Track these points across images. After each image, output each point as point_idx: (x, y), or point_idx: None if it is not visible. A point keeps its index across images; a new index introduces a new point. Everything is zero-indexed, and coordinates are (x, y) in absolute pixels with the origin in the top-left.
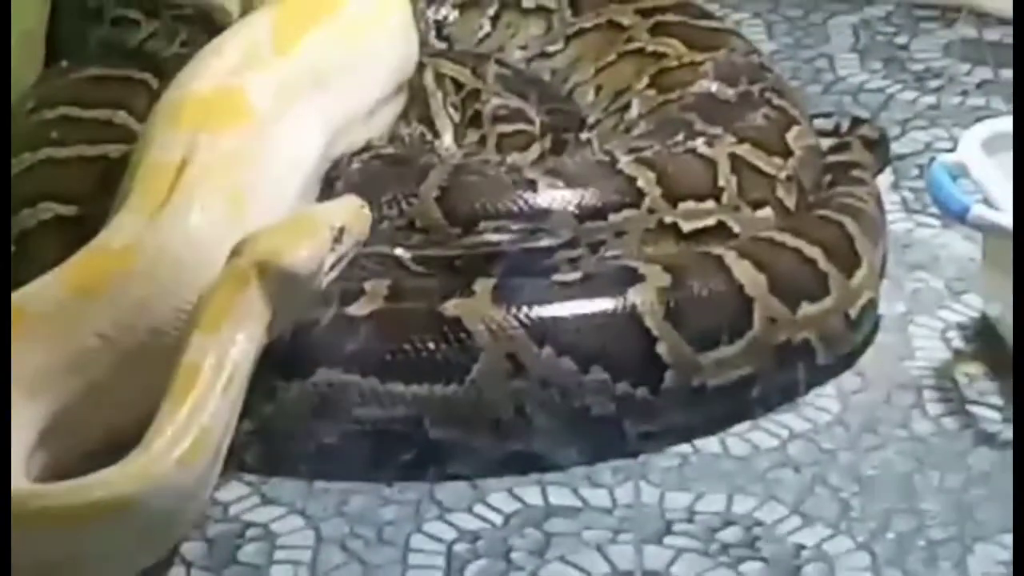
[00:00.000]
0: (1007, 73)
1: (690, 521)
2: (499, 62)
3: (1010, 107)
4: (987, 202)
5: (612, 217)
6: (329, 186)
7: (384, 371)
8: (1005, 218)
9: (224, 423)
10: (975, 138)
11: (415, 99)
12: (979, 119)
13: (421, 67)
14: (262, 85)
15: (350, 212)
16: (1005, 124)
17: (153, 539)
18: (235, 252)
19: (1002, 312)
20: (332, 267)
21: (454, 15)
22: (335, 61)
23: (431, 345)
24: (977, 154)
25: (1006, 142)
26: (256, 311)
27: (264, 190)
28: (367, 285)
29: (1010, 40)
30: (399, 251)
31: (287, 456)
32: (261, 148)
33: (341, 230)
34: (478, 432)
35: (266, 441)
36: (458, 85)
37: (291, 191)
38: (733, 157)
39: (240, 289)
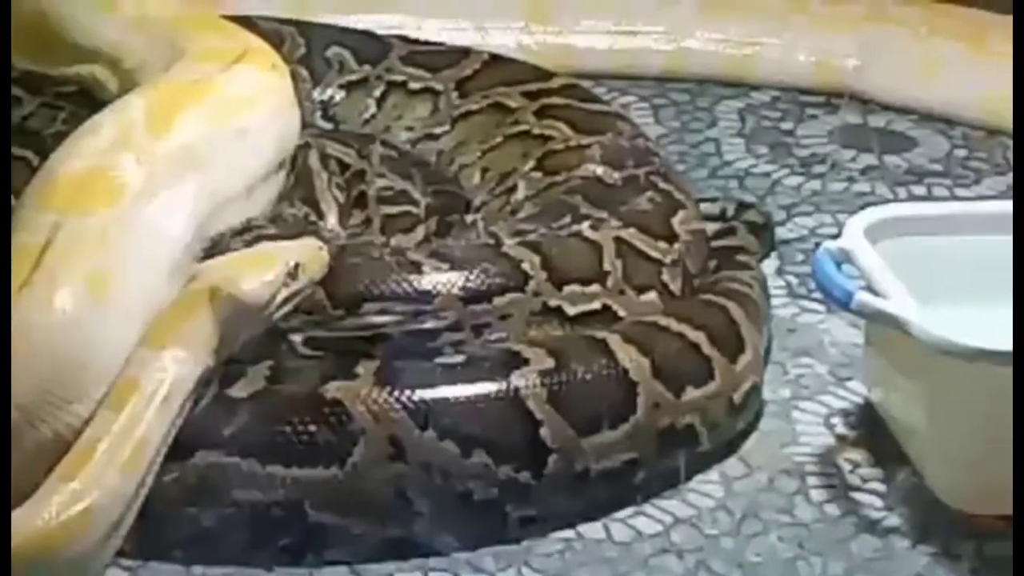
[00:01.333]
0: (891, 159)
1: None
2: (385, 143)
3: (894, 194)
4: (870, 289)
5: (497, 300)
6: None
7: (264, 453)
8: (888, 305)
9: (160, 436)
10: (859, 225)
11: (300, 180)
12: (864, 205)
13: (306, 148)
14: (134, 165)
15: (308, 251)
16: (889, 211)
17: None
18: (192, 277)
19: (885, 398)
20: (285, 301)
21: (340, 95)
22: (210, 140)
23: (312, 427)
24: (861, 241)
25: (890, 229)
26: (204, 334)
27: (131, 271)
28: (249, 367)
29: (893, 127)
30: (285, 332)
31: (165, 541)
32: (130, 229)
33: (297, 267)
34: (359, 516)
35: (143, 525)
36: (343, 166)
37: (161, 272)
38: (618, 241)
39: (191, 312)
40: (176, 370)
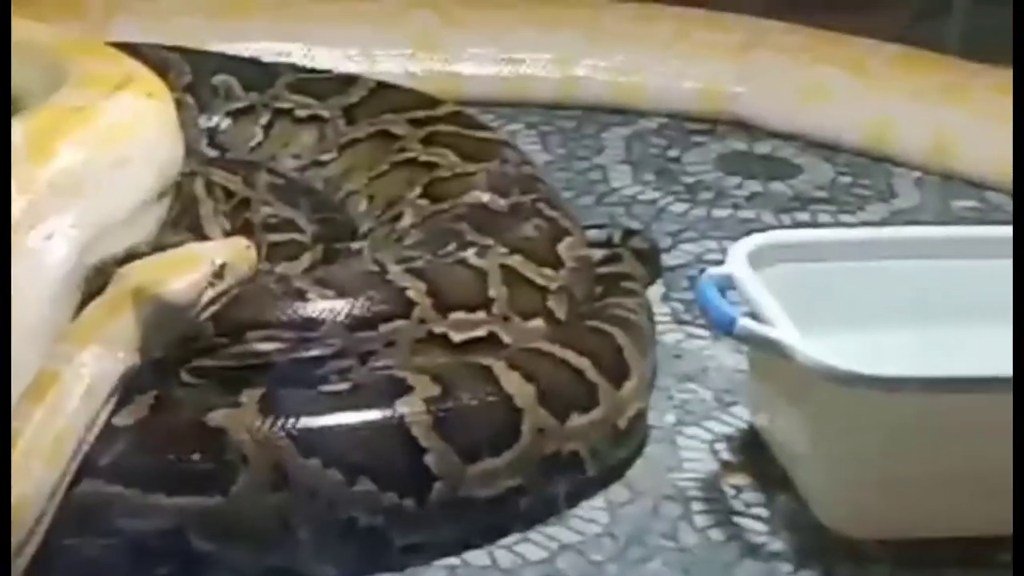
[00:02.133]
0: (777, 186)
1: None
2: (271, 171)
3: (779, 220)
4: (753, 315)
5: (382, 327)
6: (94, 297)
7: (147, 482)
8: (770, 331)
9: (82, 429)
10: (742, 251)
11: (185, 208)
12: (749, 231)
13: (192, 175)
14: (15, 193)
15: (235, 251)
16: (772, 238)
17: None
18: (117, 278)
19: (768, 423)
20: (212, 301)
21: (227, 123)
22: (90, 168)
23: (195, 456)
24: (744, 267)
25: (773, 255)
26: (127, 332)
27: (12, 300)
28: (134, 395)
29: (778, 154)
30: (170, 362)
31: (48, 570)
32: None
33: (223, 266)
34: (242, 545)
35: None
36: (229, 194)
37: (40, 300)
38: (504, 268)
39: (116, 310)
40: (98, 365)
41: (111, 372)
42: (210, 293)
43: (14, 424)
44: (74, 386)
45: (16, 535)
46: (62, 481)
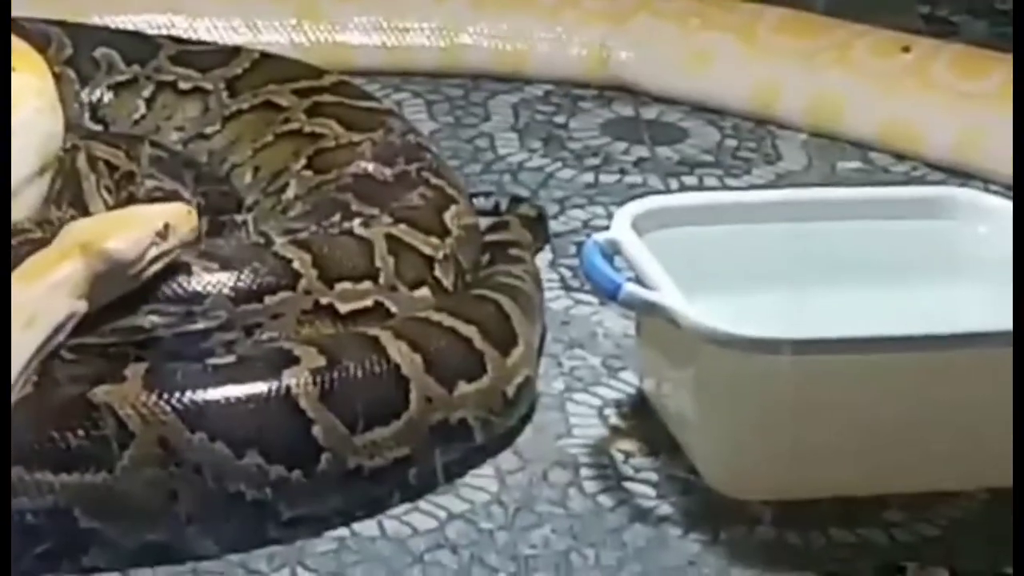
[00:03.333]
0: (663, 151)
1: None
2: (154, 144)
3: (666, 185)
4: (639, 280)
5: (268, 299)
6: None
7: (31, 460)
8: (655, 296)
9: (23, 360)
10: (627, 216)
11: (67, 182)
12: (636, 196)
13: (74, 150)
14: None
15: (178, 213)
16: (656, 202)
17: None
18: (63, 233)
19: (656, 388)
20: (155, 260)
21: (109, 96)
22: None
23: (80, 432)
24: (628, 232)
25: (658, 220)
26: (72, 281)
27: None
28: None
29: (665, 119)
30: None
31: None
32: None
33: (166, 227)
34: (130, 521)
35: None
36: (112, 167)
37: None
38: (390, 238)
39: (62, 260)
40: (44, 302)
41: (55, 311)
42: (153, 252)
43: None
44: (16, 319)
45: None
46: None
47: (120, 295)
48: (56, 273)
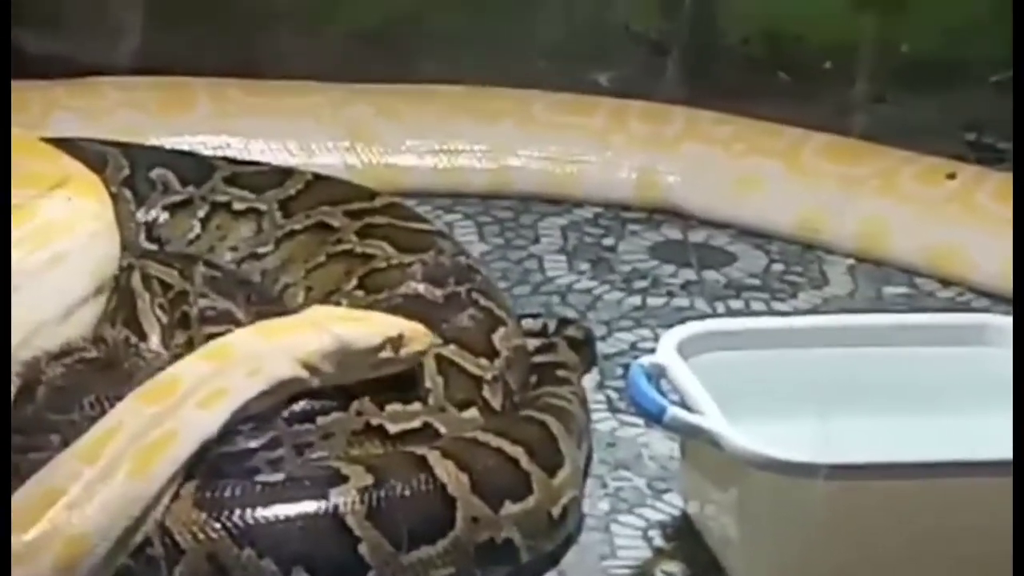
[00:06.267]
0: (711, 275)
1: None
2: (207, 263)
3: (713, 308)
4: (684, 404)
5: (320, 420)
6: (30, 390)
7: None
8: (699, 420)
9: (237, 404)
10: (673, 340)
11: (122, 301)
12: (683, 319)
13: (129, 269)
14: None
15: (415, 330)
16: (702, 326)
17: None
18: (311, 311)
19: (700, 511)
20: (384, 363)
21: (164, 216)
22: (24, 266)
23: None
24: (674, 356)
25: (704, 344)
26: (303, 350)
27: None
28: None
29: (712, 242)
30: None
31: None
32: None
33: (401, 337)
34: None
35: None
36: (166, 287)
37: None
38: (439, 358)
39: (299, 330)
40: (272, 359)
41: (282, 369)
42: (384, 354)
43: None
44: (246, 365)
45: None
46: (220, 426)
47: (338, 384)
48: (290, 337)
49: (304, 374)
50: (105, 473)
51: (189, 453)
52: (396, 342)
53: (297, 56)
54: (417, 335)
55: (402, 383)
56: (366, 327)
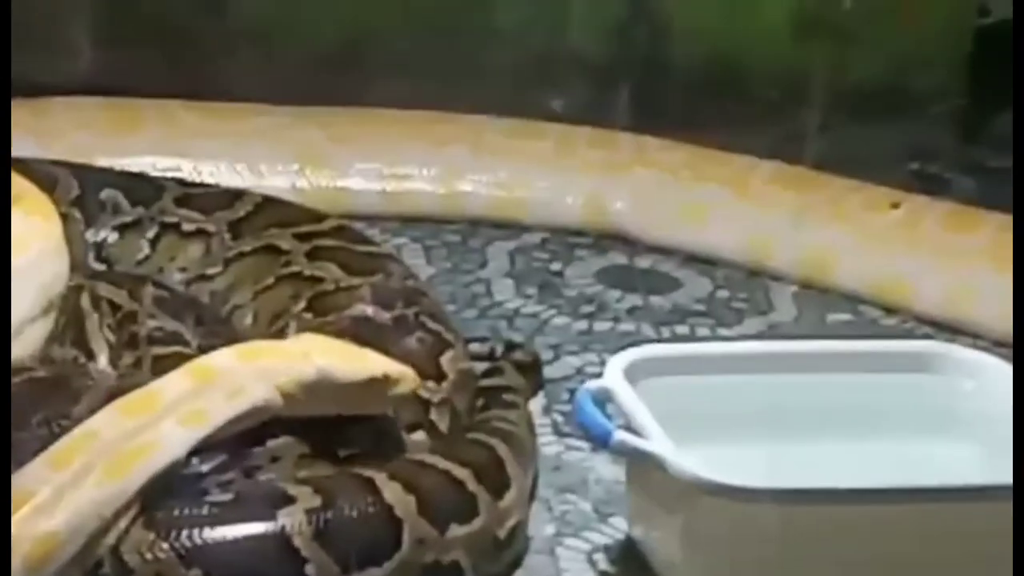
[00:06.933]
0: (657, 300)
1: None
2: (156, 284)
3: (659, 333)
4: (630, 428)
5: (270, 443)
6: None
7: None
8: (645, 444)
9: (214, 425)
10: (619, 365)
11: (70, 321)
12: (629, 344)
13: (78, 289)
14: None
15: (404, 374)
16: (648, 351)
17: None
18: (299, 337)
19: (645, 534)
20: (371, 399)
21: (114, 237)
22: None
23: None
24: (620, 380)
25: (650, 368)
26: (283, 376)
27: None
28: None
29: (658, 268)
30: None
31: None
32: None
33: (386, 378)
34: None
35: None
36: (115, 307)
37: None
38: None
39: (283, 356)
40: (252, 381)
41: (259, 393)
42: (368, 393)
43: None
44: (227, 385)
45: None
46: (194, 441)
47: (311, 415)
48: (273, 361)
49: (280, 402)
50: (77, 477)
51: (162, 467)
52: (381, 383)
53: (252, 78)
54: (405, 378)
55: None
56: (353, 363)
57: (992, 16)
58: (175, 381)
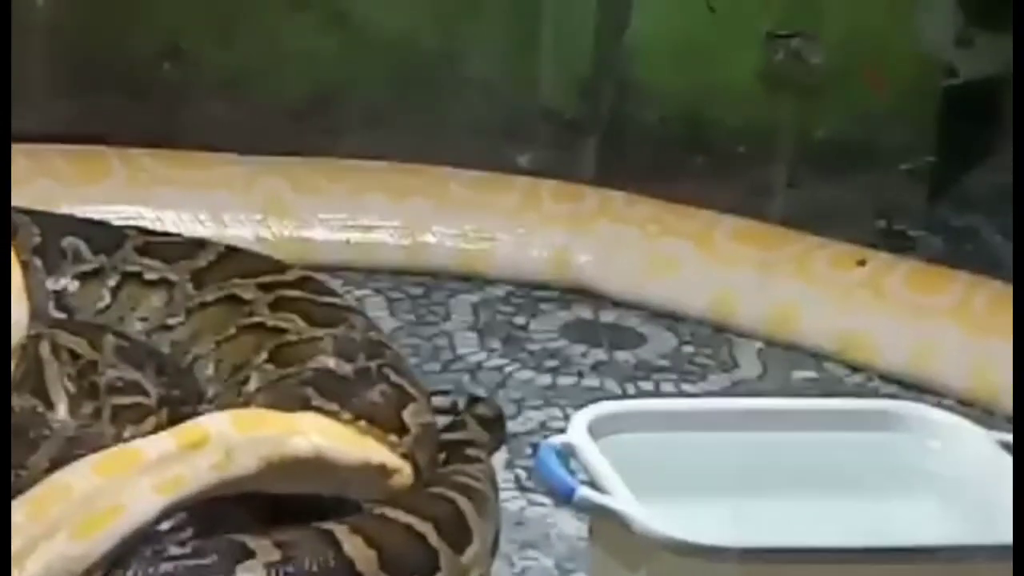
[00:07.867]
0: (621, 355)
1: None
2: (117, 333)
3: (623, 389)
4: (593, 484)
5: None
6: None
7: None
8: (608, 500)
9: (196, 489)
10: (583, 420)
11: (30, 370)
12: (593, 399)
13: (37, 338)
14: None
15: (401, 469)
16: (612, 407)
17: None
18: (302, 415)
19: None
20: (356, 484)
21: (75, 285)
22: None
23: None
24: (584, 436)
25: (613, 424)
26: (272, 448)
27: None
28: None
29: (623, 323)
30: None
31: None
32: None
33: (382, 468)
34: None
35: None
36: (75, 356)
37: None
38: None
39: (276, 428)
40: (241, 449)
41: (247, 462)
42: (360, 480)
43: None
44: (218, 449)
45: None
46: (166, 507)
47: (294, 492)
48: (265, 432)
49: (267, 475)
50: (49, 530)
51: (130, 531)
52: (376, 471)
53: (219, 128)
54: (401, 476)
55: None
56: (351, 447)
57: (960, 76)
58: (158, 442)
